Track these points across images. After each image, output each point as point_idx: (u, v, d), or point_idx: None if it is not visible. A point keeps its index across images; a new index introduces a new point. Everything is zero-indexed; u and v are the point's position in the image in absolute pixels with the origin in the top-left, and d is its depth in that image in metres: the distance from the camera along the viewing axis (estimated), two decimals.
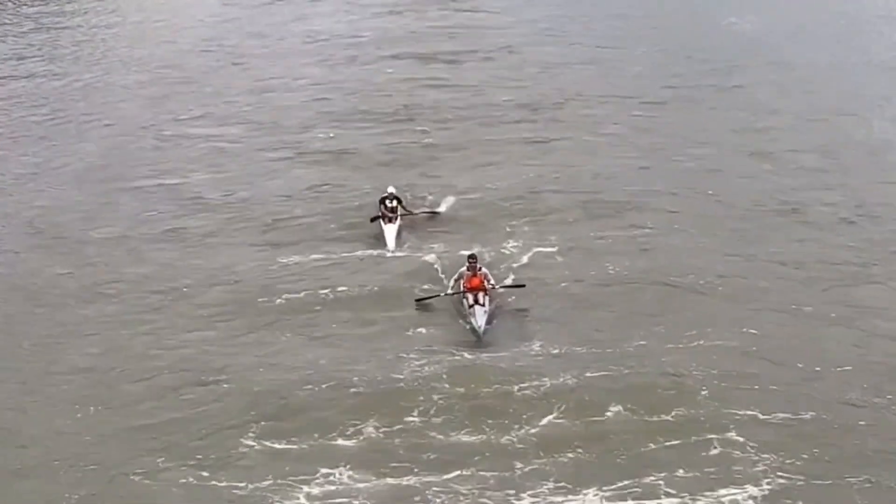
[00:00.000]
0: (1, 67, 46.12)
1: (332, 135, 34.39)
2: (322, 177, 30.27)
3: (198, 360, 19.87)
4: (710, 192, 27.63)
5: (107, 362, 20.06)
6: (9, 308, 22.54)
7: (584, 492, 15.65)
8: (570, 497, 15.60)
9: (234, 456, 16.89)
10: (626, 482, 15.77)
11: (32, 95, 41.43)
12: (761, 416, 17.34)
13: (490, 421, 17.39)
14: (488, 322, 20.22)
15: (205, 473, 16.48)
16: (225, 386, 18.93)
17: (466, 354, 19.48)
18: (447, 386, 18.40)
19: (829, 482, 15.78)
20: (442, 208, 27.07)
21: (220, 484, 16.26)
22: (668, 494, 15.54)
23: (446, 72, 42.67)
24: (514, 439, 16.94)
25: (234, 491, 16.09)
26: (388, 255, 24.49)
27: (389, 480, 16.11)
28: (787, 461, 16.18)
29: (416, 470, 16.33)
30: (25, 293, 23.17)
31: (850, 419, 17.38)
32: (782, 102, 36.29)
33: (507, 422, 17.33)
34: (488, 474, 16.10)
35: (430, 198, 27.80)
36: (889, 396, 18.02)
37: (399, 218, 25.75)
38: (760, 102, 36.40)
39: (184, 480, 16.40)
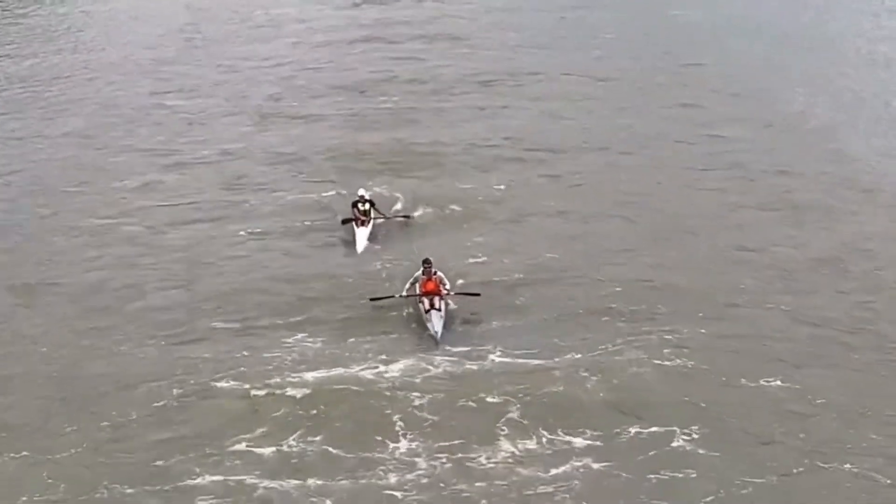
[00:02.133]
0: None
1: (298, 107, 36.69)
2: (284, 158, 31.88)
3: (146, 361, 20.23)
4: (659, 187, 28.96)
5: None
6: None
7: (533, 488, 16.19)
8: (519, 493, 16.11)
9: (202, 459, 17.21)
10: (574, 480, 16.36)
11: (24, 75, 44.15)
12: (702, 404, 18.13)
13: (443, 423, 17.86)
14: (445, 327, 20.54)
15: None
16: (188, 387, 19.22)
17: (424, 359, 19.82)
18: (405, 389, 18.83)
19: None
20: (415, 214, 27.24)
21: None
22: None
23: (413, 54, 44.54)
24: (471, 443, 17.34)
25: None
26: (356, 255, 24.85)
27: (343, 482, 16.49)
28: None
29: (371, 469, 16.74)
30: None
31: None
32: (721, 80, 39.58)
33: (459, 424, 17.79)
34: (447, 477, 16.57)
35: (399, 200, 28.18)
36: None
37: (371, 222, 25.86)
38: (702, 79, 39.59)
39: None
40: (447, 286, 21.85)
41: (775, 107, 36.72)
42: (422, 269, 21.88)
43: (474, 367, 19.49)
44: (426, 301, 21.08)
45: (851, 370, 19.38)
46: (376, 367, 19.56)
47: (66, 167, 32.17)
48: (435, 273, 21.77)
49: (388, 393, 18.78)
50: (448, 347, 20.14)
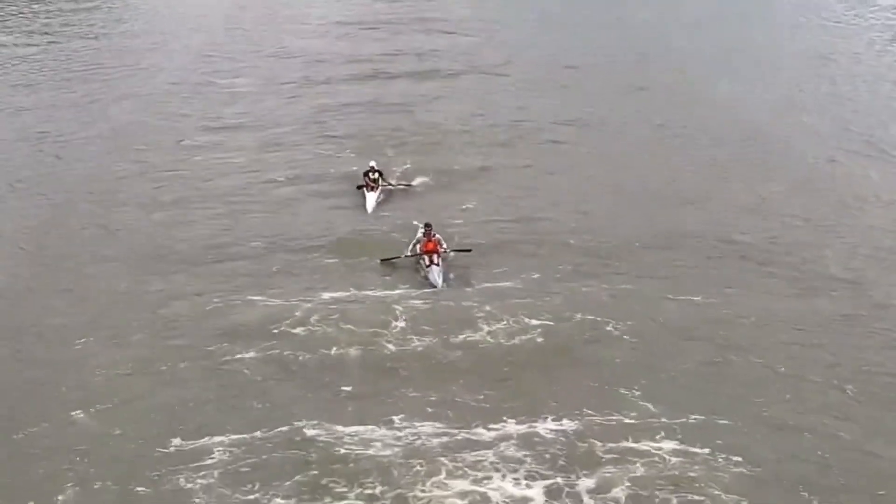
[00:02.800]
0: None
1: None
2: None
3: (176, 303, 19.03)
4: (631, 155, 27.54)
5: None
6: None
7: (510, 418, 15.06)
8: (498, 422, 14.93)
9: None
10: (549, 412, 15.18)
11: (93, 54, 43.56)
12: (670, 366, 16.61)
13: (442, 358, 16.80)
14: (444, 279, 19.53)
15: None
16: (213, 374, 16.99)
17: (426, 304, 18.65)
18: (411, 325, 17.78)
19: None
20: (415, 182, 25.92)
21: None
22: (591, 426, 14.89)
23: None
24: (470, 380, 16.19)
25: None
26: (366, 218, 23.60)
27: (352, 409, 15.25)
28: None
29: (380, 399, 15.59)
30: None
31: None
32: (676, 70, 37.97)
33: (455, 358, 16.76)
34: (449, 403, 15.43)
35: (405, 171, 26.74)
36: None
37: (379, 188, 24.66)
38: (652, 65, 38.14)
39: None
40: (444, 246, 20.64)
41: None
42: (423, 231, 20.87)
43: (468, 311, 18.32)
44: (427, 258, 20.00)
45: (765, 291, 19.20)
46: (385, 313, 18.27)
47: (133, 129, 31.77)
48: (434, 235, 20.65)
49: (396, 333, 17.61)
50: (446, 296, 19.06)
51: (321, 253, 21.15)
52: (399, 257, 20.57)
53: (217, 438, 14.57)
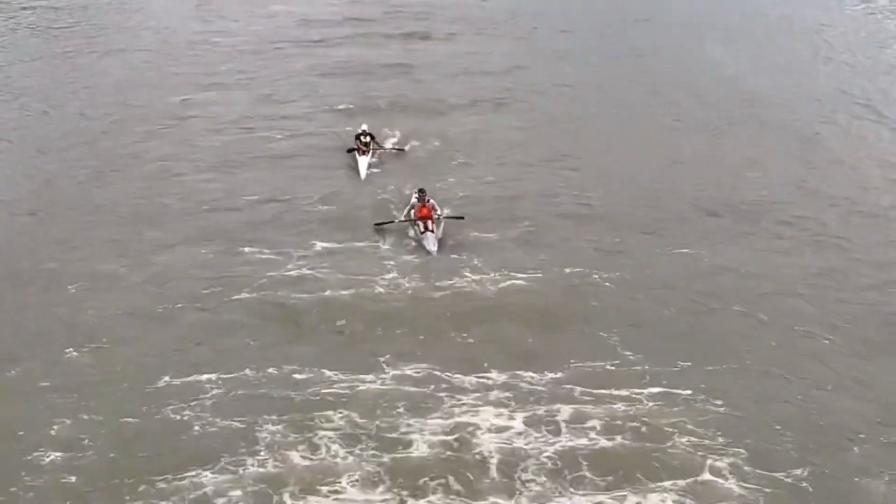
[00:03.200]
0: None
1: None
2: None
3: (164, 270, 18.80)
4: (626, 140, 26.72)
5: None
6: None
7: (497, 371, 15.18)
8: (489, 376, 15.05)
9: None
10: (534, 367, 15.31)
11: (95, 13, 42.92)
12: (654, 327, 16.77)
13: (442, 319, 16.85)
14: (438, 246, 19.55)
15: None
16: (207, 313, 17.35)
17: (420, 268, 18.74)
18: (404, 287, 17.90)
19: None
20: (407, 147, 25.88)
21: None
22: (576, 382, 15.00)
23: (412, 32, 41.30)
24: (459, 329, 16.42)
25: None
26: (359, 182, 23.51)
27: (350, 372, 15.16)
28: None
29: (375, 356, 15.56)
30: None
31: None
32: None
33: (454, 319, 16.82)
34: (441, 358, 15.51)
35: (397, 135, 26.72)
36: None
37: (371, 152, 24.70)
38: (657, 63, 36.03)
39: None
40: (438, 211, 20.62)
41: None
42: (417, 196, 20.73)
43: (460, 274, 18.43)
44: (421, 224, 20.14)
45: (751, 246, 19.71)
46: (378, 276, 18.36)
47: (131, 85, 32.20)
48: (428, 200, 20.63)
49: (388, 294, 17.77)
50: (441, 261, 19.09)
51: (313, 217, 21.12)
52: (393, 222, 20.64)
53: (207, 376, 14.89)
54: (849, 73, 33.35)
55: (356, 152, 24.55)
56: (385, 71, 33.93)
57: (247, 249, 19.30)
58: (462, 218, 20.64)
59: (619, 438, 13.66)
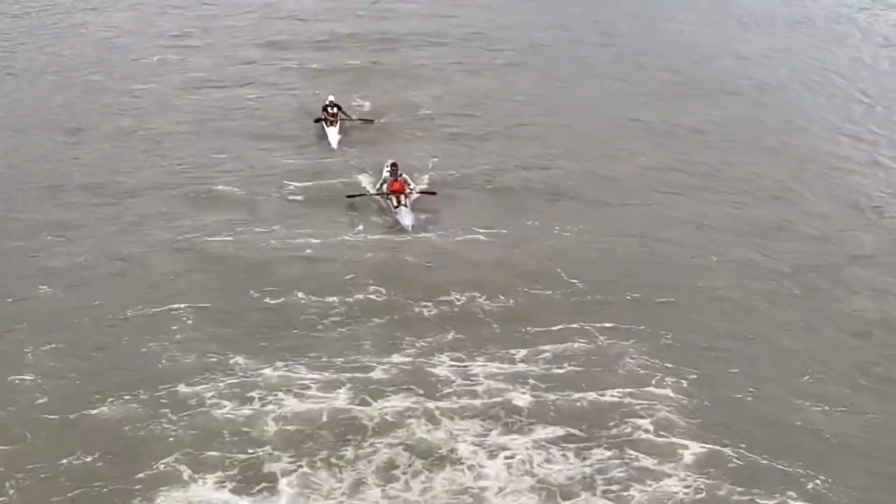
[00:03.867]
0: None
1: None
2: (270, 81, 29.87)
3: (143, 236, 18.86)
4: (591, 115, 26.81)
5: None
6: None
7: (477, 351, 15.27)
8: (466, 355, 15.09)
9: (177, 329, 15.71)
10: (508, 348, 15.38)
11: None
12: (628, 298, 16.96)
13: (411, 291, 16.99)
14: (414, 220, 19.72)
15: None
16: (179, 254, 17.96)
17: (399, 247, 18.88)
18: (385, 264, 18.02)
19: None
20: (375, 119, 26.06)
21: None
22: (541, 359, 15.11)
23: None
24: (431, 305, 16.50)
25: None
26: (332, 153, 23.74)
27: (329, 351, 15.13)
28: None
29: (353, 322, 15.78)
30: None
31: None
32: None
33: (426, 292, 16.91)
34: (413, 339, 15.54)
35: (366, 106, 26.91)
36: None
37: (339, 122, 24.89)
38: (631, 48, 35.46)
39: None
40: (411, 185, 20.84)
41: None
42: (389, 170, 20.91)
43: (439, 249, 18.76)
44: (394, 198, 20.27)
45: (703, 200, 20.68)
46: (360, 251, 18.58)
47: (106, 48, 32.77)
48: (401, 174, 20.78)
49: (375, 269, 17.85)
50: (416, 235, 19.33)
51: (287, 188, 21.27)
52: (365, 194, 20.70)
53: (179, 306, 15.46)
54: (806, 39, 34.78)
55: (324, 123, 24.79)
56: (353, 43, 33.75)
57: (215, 219, 19.47)
58: (434, 193, 20.76)
59: (567, 365, 14.53)
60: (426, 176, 21.94)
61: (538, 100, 27.69)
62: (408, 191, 20.40)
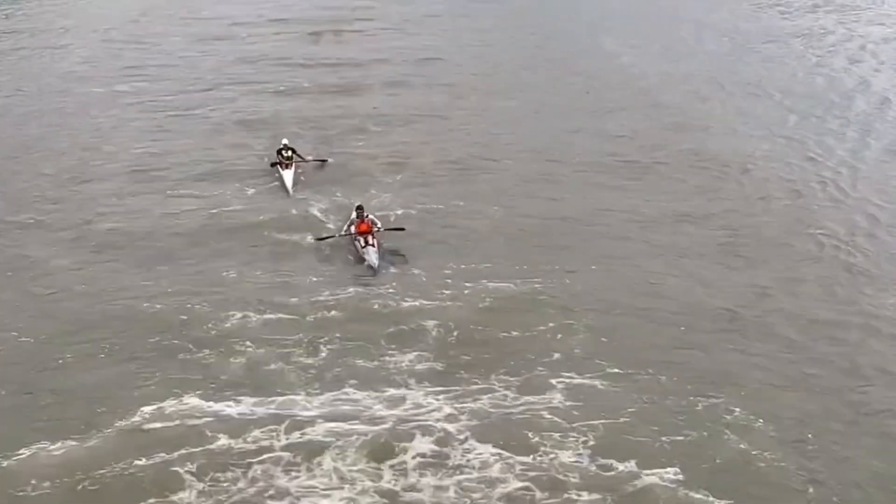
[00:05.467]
0: None
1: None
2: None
3: (100, 288, 18.87)
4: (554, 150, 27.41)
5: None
6: None
7: (453, 389, 15.49)
8: (440, 392, 15.36)
9: (141, 371, 16.02)
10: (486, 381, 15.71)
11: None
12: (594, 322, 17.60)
13: (382, 337, 17.03)
14: (380, 259, 19.86)
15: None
16: (122, 309, 17.93)
17: (363, 286, 18.93)
18: (347, 311, 17.89)
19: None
20: (330, 158, 26.05)
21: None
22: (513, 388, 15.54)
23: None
24: (402, 351, 16.61)
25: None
26: (288, 197, 23.46)
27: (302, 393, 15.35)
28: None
29: (317, 383, 15.68)
30: None
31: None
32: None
33: (396, 337, 17.05)
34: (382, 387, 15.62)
35: (319, 148, 27.01)
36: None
37: (293, 165, 24.73)
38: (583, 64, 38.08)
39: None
40: (378, 225, 20.93)
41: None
42: (355, 213, 21.06)
43: (405, 288, 18.81)
44: (361, 239, 20.43)
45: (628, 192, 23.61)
46: (324, 294, 18.55)
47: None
48: (367, 216, 20.97)
49: (336, 313, 17.91)
50: (383, 273, 19.59)
51: (247, 236, 21.25)
52: (333, 236, 20.93)
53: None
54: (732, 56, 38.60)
55: (279, 166, 24.76)
56: (304, 92, 33.85)
57: (169, 267, 19.62)
58: (402, 229, 21.00)
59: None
60: (391, 214, 22.13)
61: (494, 136, 28.13)
62: (375, 230, 20.62)
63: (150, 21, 47.43)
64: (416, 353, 16.41)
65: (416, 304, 18.02)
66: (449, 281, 18.89)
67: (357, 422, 14.53)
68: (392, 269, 19.65)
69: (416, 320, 17.44)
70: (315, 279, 19.14)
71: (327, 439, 14.13)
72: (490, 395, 15.22)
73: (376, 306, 17.97)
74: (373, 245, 20.13)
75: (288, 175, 24.37)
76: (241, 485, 13.34)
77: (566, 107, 31.18)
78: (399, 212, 22.36)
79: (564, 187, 24.16)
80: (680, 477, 13.36)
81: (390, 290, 18.63)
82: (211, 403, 14.99)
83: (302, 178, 24.70)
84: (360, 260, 19.94)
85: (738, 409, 14.78)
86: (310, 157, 25.79)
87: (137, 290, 18.69)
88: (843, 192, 23.90)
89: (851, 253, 20.29)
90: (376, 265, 19.63)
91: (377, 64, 37.55)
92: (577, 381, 15.57)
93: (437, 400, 15.08)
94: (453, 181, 24.66)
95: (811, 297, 18.48)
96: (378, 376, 15.77)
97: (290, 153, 25.03)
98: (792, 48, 40.05)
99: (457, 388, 15.40)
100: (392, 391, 15.35)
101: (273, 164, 24.94)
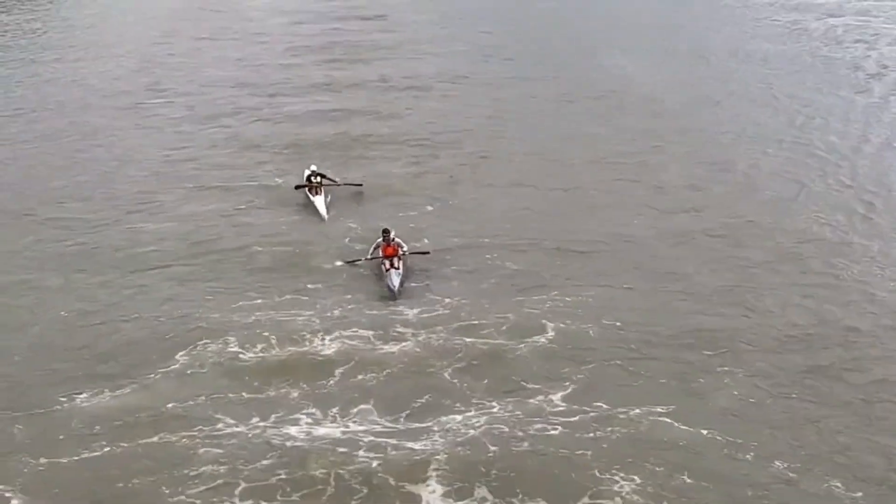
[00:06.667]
0: None
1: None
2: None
3: (122, 307, 19.50)
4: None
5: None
6: None
7: (475, 412, 15.75)
8: (464, 415, 15.60)
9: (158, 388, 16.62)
10: (513, 400, 16.08)
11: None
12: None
13: (400, 360, 17.38)
14: (402, 283, 20.22)
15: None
16: (143, 329, 18.56)
17: (384, 308, 19.32)
18: (369, 333, 18.26)
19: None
20: (362, 182, 26.35)
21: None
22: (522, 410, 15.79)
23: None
24: (419, 374, 16.99)
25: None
26: (322, 222, 24.02)
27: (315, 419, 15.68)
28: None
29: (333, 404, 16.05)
30: None
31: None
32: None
33: (412, 360, 17.37)
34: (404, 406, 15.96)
35: (352, 171, 27.42)
36: None
37: (323, 189, 25.14)
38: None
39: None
40: (404, 248, 21.48)
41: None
42: (382, 236, 21.55)
43: (425, 314, 19.02)
44: (387, 262, 20.86)
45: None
46: (346, 317, 18.97)
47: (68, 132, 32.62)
48: (393, 239, 21.44)
49: (357, 336, 18.27)
50: (404, 299, 19.84)
51: (277, 258, 21.81)
52: (360, 259, 21.42)
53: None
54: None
55: (308, 191, 25.11)
56: (333, 115, 34.36)
57: (212, 298, 19.85)
58: (427, 253, 21.45)
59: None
60: (419, 238, 22.43)
61: (536, 163, 28.35)
62: (400, 253, 20.99)
63: (174, 41, 49.30)
64: (428, 378, 16.67)
65: (436, 328, 18.28)
66: (469, 305, 19.13)
67: (363, 448, 14.77)
68: (413, 293, 19.90)
69: (432, 344, 17.73)
70: (336, 301, 19.49)
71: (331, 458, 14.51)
72: (507, 421, 15.40)
73: (393, 329, 18.32)
74: (397, 268, 20.50)
75: (319, 200, 24.79)
76: None
77: (610, 138, 30.69)
78: (428, 235, 22.61)
79: (601, 214, 24.20)
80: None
81: (408, 314, 18.96)
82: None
83: (334, 202, 25.08)
84: (384, 282, 20.30)
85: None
86: (342, 181, 26.11)
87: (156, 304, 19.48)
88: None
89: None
90: (396, 289, 20.00)
91: (409, 85, 38.41)
92: (608, 410, 15.64)
93: (452, 425, 15.31)
94: (486, 206, 24.83)
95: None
96: (390, 399, 16.05)
97: (318, 179, 25.38)
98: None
99: (470, 412, 15.62)
100: (404, 415, 15.65)
101: (298, 187, 25.40)
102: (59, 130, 32.20)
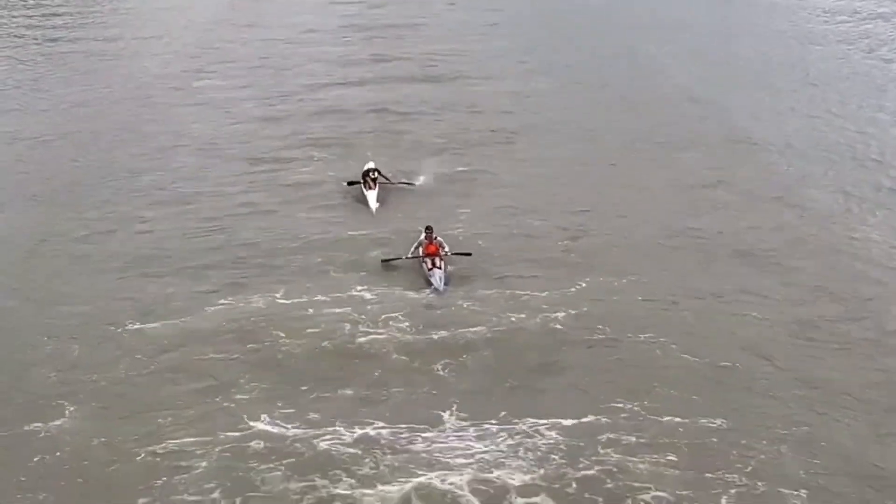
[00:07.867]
0: None
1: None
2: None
3: (178, 306, 19.88)
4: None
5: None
6: None
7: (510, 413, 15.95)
8: (497, 419, 15.75)
9: (211, 387, 16.95)
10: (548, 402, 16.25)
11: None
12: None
13: (444, 355, 17.68)
14: (445, 282, 20.42)
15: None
16: (203, 323, 19.04)
17: (429, 307, 19.62)
18: (415, 328, 18.64)
19: None
20: (417, 182, 26.70)
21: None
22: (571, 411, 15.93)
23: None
24: (463, 367, 17.33)
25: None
26: (372, 217, 24.55)
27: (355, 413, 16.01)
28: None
29: (383, 392, 16.56)
30: None
31: None
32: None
33: (456, 355, 17.67)
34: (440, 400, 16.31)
35: (404, 168, 27.88)
36: None
37: (378, 186, 25.69)
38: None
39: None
40: (446, 248, 21.65)
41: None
42: (424, 234, 21.68)
43: (469, 313, 19.25)
44: (429, 261, 21.03)
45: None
46: (391, 314, 19.20)
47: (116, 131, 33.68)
48: (435, 238, 21.58)
49: (400, 335, 18.49)
50: (448, 298, 19.97)
51: (325, 251, 22.26)
52: (400, 258, 21.54)
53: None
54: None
55: (363, 186, 25.69)
56: (389, 111, 35.23)
57: (256, 293, 20.30)
58: (469, 254, 21.51)
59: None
60: (462, 239, 22.60)
61: (575, 172, 28.22)
62: (442, 253, 21.23)
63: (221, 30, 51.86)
64: (473, 378, 16.93)
65: (479, 328, 18.49)
66: (513, 305, 19.35)
67: (406, 449, 15.08)
68: (457, 294, 20.04)
69: (476, 345, 17.96)
70: (379, 298, 19.79)
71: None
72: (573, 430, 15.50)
73: (439, 328, 18.53)
74: (439, 267, 20.70)
75: (372, 195, 25.37)
76: None
77: (680, 150, 30.36)
78: (473, 237, 22.74)
79: (648, 218, 24.20)
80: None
81: (453, 313, 19.23)
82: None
83: (385, 199, 25.49)
84: (427, 281, 20.59)
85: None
86: (396, 180, 26.58)
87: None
88: None
89: None
90: (441, 288, 20.22)
91: (467, 84, 39.25)
92: (646, 409, 15.85)
93: (488, 428, 15.49)
94: (536, 212, 24.69)
95: None
96: (434, 400, 16.30)
97: (375, 174, 25.97)
98: None
99: (513, 416, 15.75)
100: (445, 415, 15.88)
101: (351, 184, 26.02)
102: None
